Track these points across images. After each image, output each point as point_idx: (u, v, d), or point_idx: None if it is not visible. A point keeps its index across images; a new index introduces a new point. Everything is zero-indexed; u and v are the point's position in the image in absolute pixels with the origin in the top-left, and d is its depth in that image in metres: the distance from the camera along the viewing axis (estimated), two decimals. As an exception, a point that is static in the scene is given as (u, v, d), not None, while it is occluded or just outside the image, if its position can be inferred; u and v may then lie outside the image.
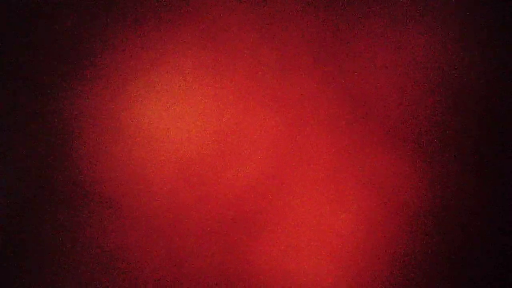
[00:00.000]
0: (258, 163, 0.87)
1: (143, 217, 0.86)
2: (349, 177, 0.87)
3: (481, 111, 0.88)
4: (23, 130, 0.87)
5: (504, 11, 0.88)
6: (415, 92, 0.88)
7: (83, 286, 0.86)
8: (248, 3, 0.88)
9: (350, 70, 0.88)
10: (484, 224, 0.87)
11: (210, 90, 0.87)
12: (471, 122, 0.88)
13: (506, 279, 0.87)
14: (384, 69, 0.88)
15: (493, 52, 0.88)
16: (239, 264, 0.86)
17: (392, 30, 0.88)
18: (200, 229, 0.86)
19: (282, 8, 0.88)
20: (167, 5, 0.88)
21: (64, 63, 0.88)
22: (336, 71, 0.88)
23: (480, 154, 0.87)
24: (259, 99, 0.87)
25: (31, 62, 0.88)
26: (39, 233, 0.86)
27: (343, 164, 0.87)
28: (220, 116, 0.87)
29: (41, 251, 0.86)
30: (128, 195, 0.86)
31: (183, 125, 0.87)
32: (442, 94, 0.88)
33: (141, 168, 0.87)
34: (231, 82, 0.87)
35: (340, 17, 0.88)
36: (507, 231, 0.87)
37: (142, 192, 0.87)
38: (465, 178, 0.87)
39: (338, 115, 0.87)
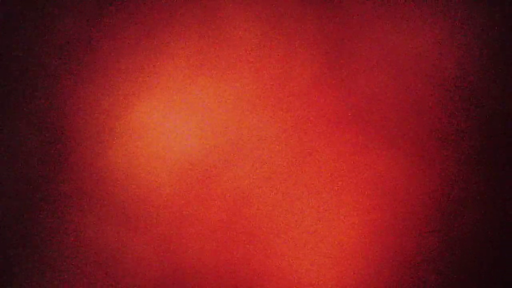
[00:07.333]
0: (259, 165, 0.87)
1: (142, 218, 0.86)
2: (350, 179, 0.87)
3: (481, 111, 0.88)
4: (21, 130, 0.87)
5: (503, 12, 0.89)
6: (416, 94, 0.88)
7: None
8: (251, 1, 0.88)
9: (351, 71, 0.88)
10: (487, 224, 0.87)
11: (211, 91, 0.87)
12: (471, 123, 0.88)
13: (509, 279, 0.87)
14: (385, 70, 0.88)
15: (492, 53, 0.89)
16: (239, 266, 0.86)
17: (392, 32, 0.88)
18: (201, 230, 0.86)
19: (285, 8, 0.88)
20: (167, 2, 0.88)
21: (63, 63, 0.88)
22: (338, 72, 0.88)
23: (481, 154, 0.88)
24: (260, 100, 0.87)
25: (29, 62, 0.88)
26: (37, 234, 0.86)
27: (345, 166, 0.87)
28: (221, 117, 0.87)
29: (40, 252, 0.86)
30: (128, 195, 0.86)
31: (184, 125, 0.87)
32: (442, 95, 0.88)
33: (141, 169, 0.86)
34: (233, 82, 0.87)
35: (342, 19, 0.89)
36: (508, 231, 0.87)
37: (142, 192, 0.86)
38: (466, 179, 0.88)
39: (339, 117, 0.88)
